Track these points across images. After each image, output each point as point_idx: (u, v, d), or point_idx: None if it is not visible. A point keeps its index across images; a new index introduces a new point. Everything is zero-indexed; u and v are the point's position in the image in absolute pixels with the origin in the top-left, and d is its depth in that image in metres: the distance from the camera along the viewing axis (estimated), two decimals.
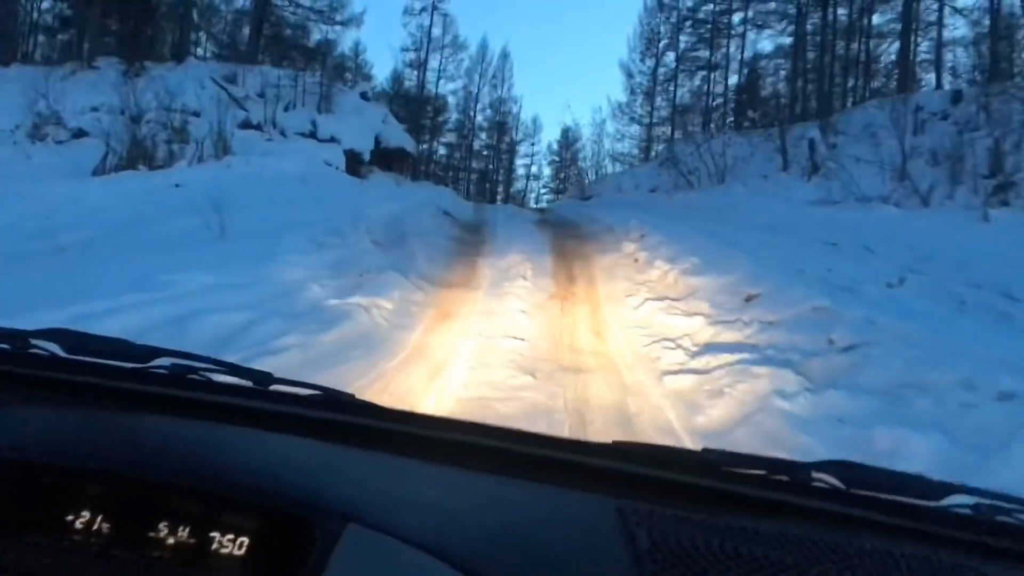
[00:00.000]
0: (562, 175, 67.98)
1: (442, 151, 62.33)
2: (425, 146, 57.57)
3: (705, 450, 1.33)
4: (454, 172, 60.15)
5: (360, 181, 18.18)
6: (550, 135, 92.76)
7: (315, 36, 37.68)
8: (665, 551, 0.93)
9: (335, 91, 21.58)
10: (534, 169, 65.69)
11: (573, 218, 17.81)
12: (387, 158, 21.90)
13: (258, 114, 19.63)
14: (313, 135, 19.73)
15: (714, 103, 41.90)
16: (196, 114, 17.82)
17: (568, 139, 66.93)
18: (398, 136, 22.23)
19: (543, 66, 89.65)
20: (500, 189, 62.75)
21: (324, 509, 0.91)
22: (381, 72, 56.19)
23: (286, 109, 20.22)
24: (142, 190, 12.12)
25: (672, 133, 38.80)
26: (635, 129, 42.03)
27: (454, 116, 55.50)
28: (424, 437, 1.28)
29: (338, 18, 35.32)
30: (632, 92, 41.80)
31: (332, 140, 19.72)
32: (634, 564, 0.91)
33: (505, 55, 53.65)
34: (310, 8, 34.66)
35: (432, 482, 1.09)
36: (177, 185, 12.41)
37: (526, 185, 66.79)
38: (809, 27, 33.79)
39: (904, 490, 1.18)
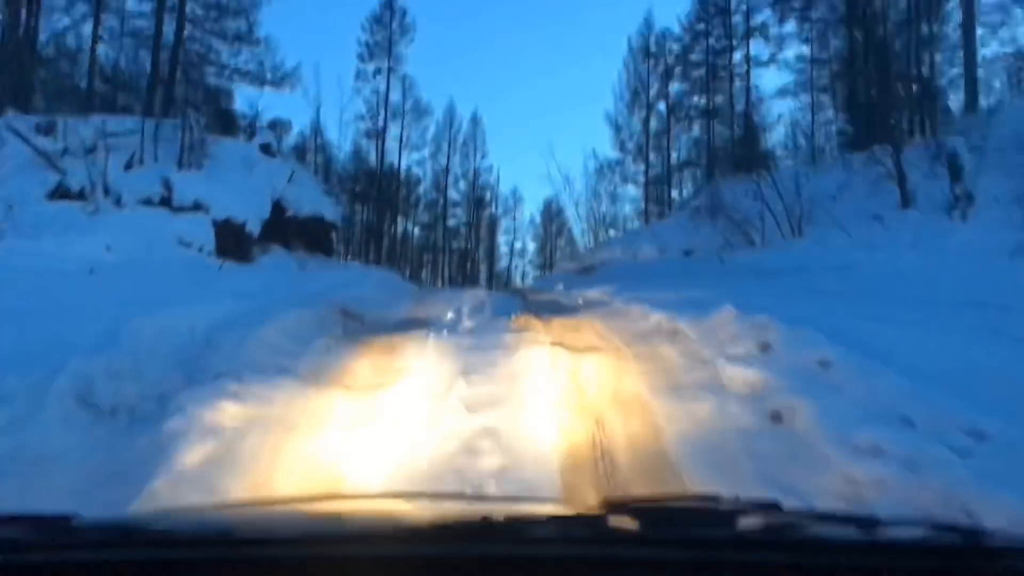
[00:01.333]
0: (548, 248, 61.64)
1: (418, 231, 55.97)
2: (395, 225, 50.85)
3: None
4: (431, 253, 53.38)
5: (224, 266, 10.93)
6: (532, 206, 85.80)
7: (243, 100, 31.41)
8: None
9: (214, 142, 14.49)
10: (518, 245, 59.05)
11: (568, 306, 10.54)
12: (296, 230, 14.71)
13: (82, 177, 12.47)
14: (166, 201, 12.56)
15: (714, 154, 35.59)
16: None
17: (551, 211, 60.85)
18: (312, 201, 15.13)
19: (519, 131, 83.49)
20: (484, 267, 55.95)
21: None
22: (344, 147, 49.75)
23: (128, 166, 13.07)
24: None
25: (707, 175, 32.07)
26: (630, 190, 35.26)
27: (424, 191, 49.06)
28: None
29: (268, 77, 28.67)
30: (623, 148, 35.14)
31: (196, 208, 12.55)
32: None
33: (476, 121, 47.30)
34: (235, 69, 28.10)
35: None
36: None
37: (510, 262, 60.31)
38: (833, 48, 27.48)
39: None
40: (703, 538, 1.13)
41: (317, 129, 50.79)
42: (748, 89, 34.33)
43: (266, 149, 16.13)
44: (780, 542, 1.15)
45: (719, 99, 35.21)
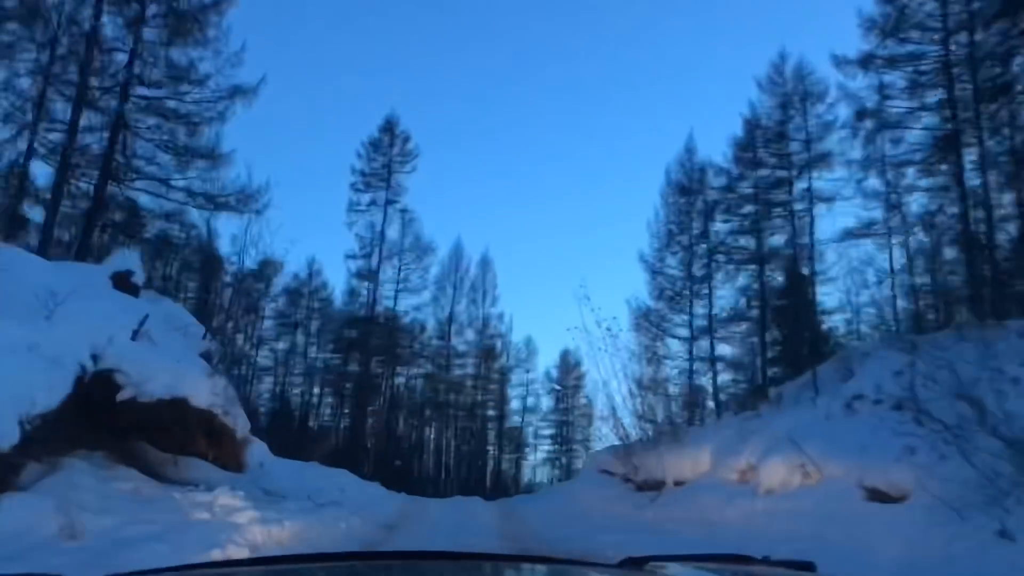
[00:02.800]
0: (566, 405, 54.33)
1: (420, 383, 49.12)
2: (392, 379, 43.96)
3: None
4: (434, 410, 46.23)
5: None
6: (547, 359, 78.66)
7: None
8: None
9: None
10: (531, 401, 51.87)
11: None
12: (137, 422, 7.83)
13: None
14: None
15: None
16: None
17: (568, 364, 54.06)
18: (170, 373, 8.23)
19: (533, 273, 76.94)
20: (493, 428, 48.59)
21: None
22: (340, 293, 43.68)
23: None
24: None
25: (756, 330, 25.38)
26: (672, 345, 28.52)
27: (426, 339, 42.66)
28: None
29: (230, 202, 22.89)
30: (660, 296, 28.72)
31: None
32: None
33: (486, 263, 41.47)
34: (186, 190, 22.43)
35: None
36: None
37: (523, 420, 52.99)
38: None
39: None
40: None
41: (311, 271, 45.15)
42: (795, 227, 28.15)
43: (125, 280, 9.75)
44: None
45: (778, 239, 29.09)
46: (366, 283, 33.05)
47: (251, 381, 45.52)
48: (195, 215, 23.31)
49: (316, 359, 46.48)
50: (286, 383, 47.19)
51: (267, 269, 46.73)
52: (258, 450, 12.31)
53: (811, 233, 26.76)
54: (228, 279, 44.66)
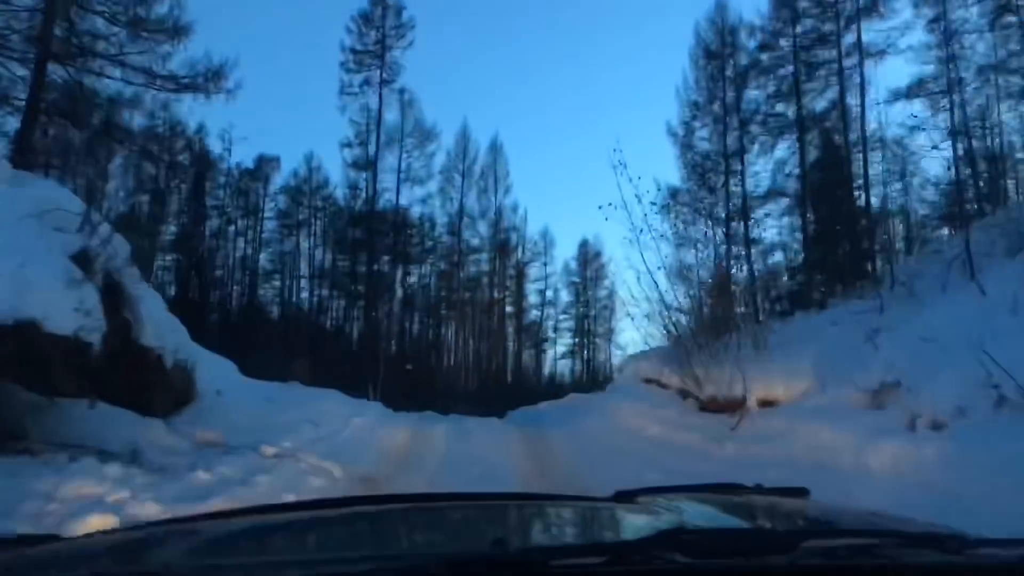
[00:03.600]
0: (586, 298, 51.83)
1: (434, 280, 46.62)
2: (398, 278, 41.37)
3: None
4: (452, 307, 43.85)
5: None
6: (565, 250, 75.02)
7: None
8: None
9: None
10: (549, 294, 49.29)
11: None
12: None
13: None
14: None
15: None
16: None
17: (588, 254, 51.19)
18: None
19: (547, 161, 72.52)
20: (512, 323, 46.26)
21: None
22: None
23: None
24: None
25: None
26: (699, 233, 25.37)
27: (435, 234, 39.74)
28: None
29: (197, 83, 19.57)
30: (691, 173, 25.40)
31: None
32: None
33: (496, 149, 37.88)
34: (144, 69, 19.08)
35: None
36: None
37: (542, 313, 50.63)
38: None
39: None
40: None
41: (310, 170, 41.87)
42: (842, 90, 24.45)
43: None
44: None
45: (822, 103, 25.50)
46: (364, 173, 29.77)
47: (248, 283, 43.14)
48: (158, 101, 20.16)
49: (323, 261, 43.95)
50: (292, 288, 44.85)
51: (264, 167, 43.77)
52: (215, 374, 9.59)
53: (862, 93, 23.09)
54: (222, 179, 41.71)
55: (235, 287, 44.06)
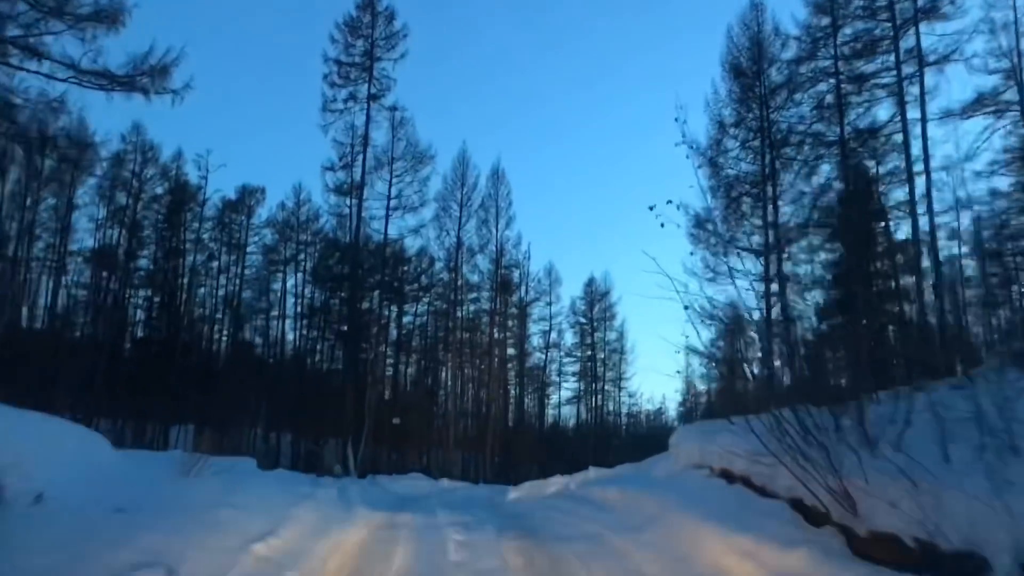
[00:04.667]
0: (591, 341, 47.71)
1: (431, 321, 42.77)
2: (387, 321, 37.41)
3: None
4: (445, 351, 39.81)
5: None
6: (571, 289, 70.61)
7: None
8: None
9: None
10: (554, 336, 45.27)
11: None
12: None
13: None
14: None
15: None
16: None
17: (593, 293, 47.30)
18: None
19: (550, 196, 68.81)
20: (513, 367, 42.16)
21: None
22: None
23: None
24: None
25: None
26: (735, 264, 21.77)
27: (428, 270, 35.98)
28: None
29: (137, 81, 16.04)
30: (721, 196, 21.71)
31: None
32: None
33: (497, 176, 34.29)
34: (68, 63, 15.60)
35: None
36: None
37: (546, 356, 46.49)
38: None
39: None
40: None
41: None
42: (901, 100, 20.94)
43: None
44: None
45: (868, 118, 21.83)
46: (347, 199, 26.04)
47: (229, 323, 39.14)
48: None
49: (312, 298, 40.09)
50: (279, 328, 40.92)
51: (247, 198, 40.14)
52: (60, 458, 5.70)
53: (923, 105, 19.43)
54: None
55: (216, 327, 40.14)
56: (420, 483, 19.14)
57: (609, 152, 75.10)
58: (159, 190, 34.63)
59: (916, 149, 19.32)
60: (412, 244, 31.73)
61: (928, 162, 19.12)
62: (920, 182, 19.28)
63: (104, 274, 32.52)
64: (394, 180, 26.70)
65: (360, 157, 25.14)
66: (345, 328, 33.33)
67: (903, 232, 21.85)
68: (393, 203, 26.70)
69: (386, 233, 26.96)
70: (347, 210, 26.45)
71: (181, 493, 7.32)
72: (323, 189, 27.34)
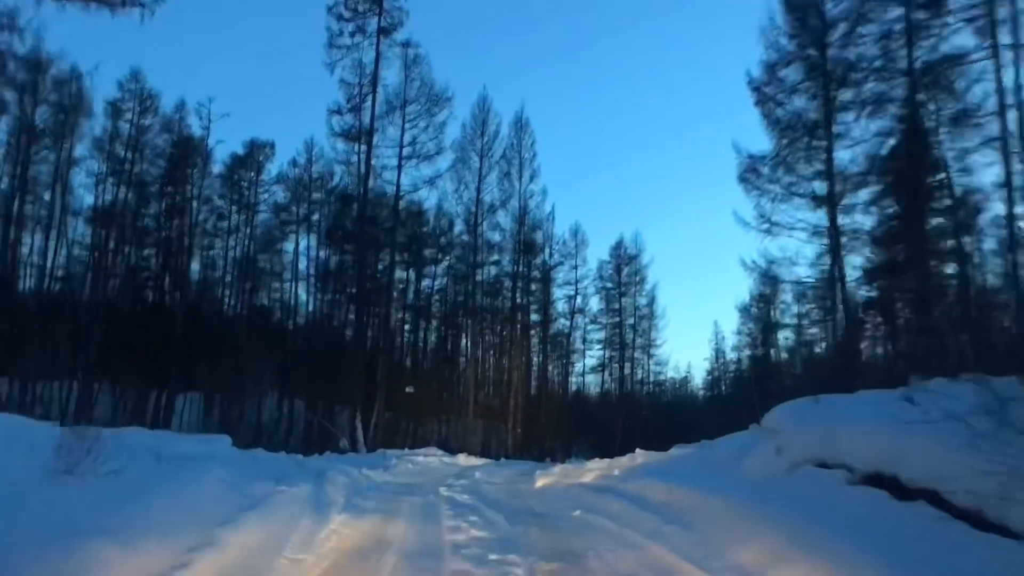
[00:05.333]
0: (619, 307, 44.99)
1: (450, 284, 40.40)
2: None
3: None
4: (469, 315, 37.45)
5: None
6: (598, 252, 66.68)
7: None
8: None
9: None
10: (578, 301, 42.59)
11: None
12: None
13: None
14: None
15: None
16: None
17: (622, 255, 44.45)
18: None
19: (574, 146, 64.72)
20: (536, 333, 39.63)
21: None
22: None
23: None
24: None
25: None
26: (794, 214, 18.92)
27: (445, 227, 33.43)
28: None
29: None
30: (778, 137, 18.82)
31: None
32: None
33: (521, 124, 31.45)
34: None
35: None
36: None
37: (570, 322, 43.79)
38: None
39: None
40: None
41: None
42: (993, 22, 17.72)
43: None
44: None
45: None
46: (356, 146, 23.46)
47: (238, 286, 36.99)
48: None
49: (327, 260, 37.78)
50: (292, 292, 38.74)
51: (256, 153, 37.70)
52: None
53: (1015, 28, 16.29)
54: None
55: (226, 291, 37.97)
56: (433, 462, 16.79)
57: (639, 106, 71.49)
58: (160, 143, 32.23)
59: (1007, 80, 16.24)
60: (428, 197, 29.13)
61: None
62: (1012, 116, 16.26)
63: (103, 232, 30.35)
64: (407, 125, 24.15)
65: (369, 99, 22.59)
66: (350, 290, 30.99)
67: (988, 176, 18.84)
68: (406, 151, 24.17)
69: (398, 184, 24.43)
70: (355, 158, 23.93)
71: (40, 508, 4.85)
72: (328, 134, 24.70)
